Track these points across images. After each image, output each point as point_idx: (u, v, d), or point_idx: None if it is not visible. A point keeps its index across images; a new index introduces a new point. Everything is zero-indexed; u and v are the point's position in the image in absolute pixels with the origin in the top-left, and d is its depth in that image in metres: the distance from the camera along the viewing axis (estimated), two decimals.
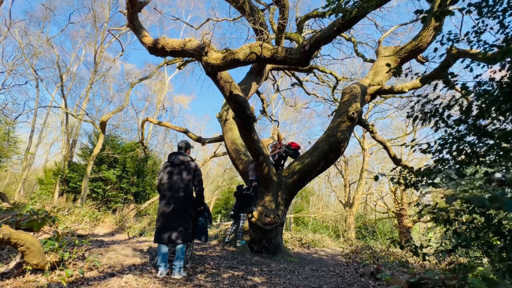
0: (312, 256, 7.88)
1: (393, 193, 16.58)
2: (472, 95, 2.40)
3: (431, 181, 2.25)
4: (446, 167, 2.43)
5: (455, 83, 2.46)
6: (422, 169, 2.39)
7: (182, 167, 3.50)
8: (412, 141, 2.90)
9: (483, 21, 2.38)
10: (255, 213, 5.94)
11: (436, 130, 2.56)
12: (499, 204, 1.13)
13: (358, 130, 18.12)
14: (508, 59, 2.15)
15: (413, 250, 2.53)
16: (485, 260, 2.97)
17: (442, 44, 2.51)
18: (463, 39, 2.53)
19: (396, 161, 8.03)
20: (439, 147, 2.51)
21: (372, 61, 9.41)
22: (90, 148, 16.75)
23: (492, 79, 2.27)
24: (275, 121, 12.43)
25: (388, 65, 2.96)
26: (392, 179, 2.63)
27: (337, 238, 16.43)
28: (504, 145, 2.05)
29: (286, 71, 10.35)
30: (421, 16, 2.15)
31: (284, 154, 7.17)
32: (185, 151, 3.70)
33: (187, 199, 3.44)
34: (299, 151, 7.12)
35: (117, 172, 16.16)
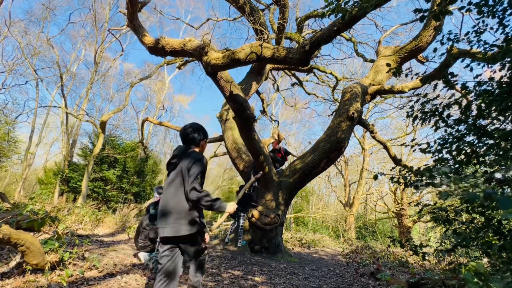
0: (312, 256, 7.88)
1: (393, 193, 16.58)
2: (472, 95, 2.40)
3: (431, 180, 2.25)
4: (446, 166, 2.43)
5: (455, 83, 2.46)
6: (422, 169, 2.39)
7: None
8: (412, 141, 2.90)
9: (483, 21, 2.39)
10: (255, 213, 5.94)
11: (436, 130, 2.56)
12: (494, 201, 1.13)
13: (358, 130, 18.10)
14: (508, 59, 2.15)
15: (413, 249, 2.53)
16: (485, 260, 2.98)
17: (442, 44, 2.51)
18: (463, 39, 2.53)
19: (396, 161, 8.02)
20: (439, 147, 2.52)
21: (372, 61, 9.40)
22: (90, 148, 16.72)
23: (492, 79, 2.27)
24: (275, 121, 12.44)
25: (388, 65, 2.96)
26: (392, 178, 2.63)
27: (337, 238, 16.42)
28: (504, 144, 2.05)
29: (286, 71, 10.34)
30: (419, 15, 2.15)
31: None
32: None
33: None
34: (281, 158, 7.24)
35: (117, 172, 16.15)
